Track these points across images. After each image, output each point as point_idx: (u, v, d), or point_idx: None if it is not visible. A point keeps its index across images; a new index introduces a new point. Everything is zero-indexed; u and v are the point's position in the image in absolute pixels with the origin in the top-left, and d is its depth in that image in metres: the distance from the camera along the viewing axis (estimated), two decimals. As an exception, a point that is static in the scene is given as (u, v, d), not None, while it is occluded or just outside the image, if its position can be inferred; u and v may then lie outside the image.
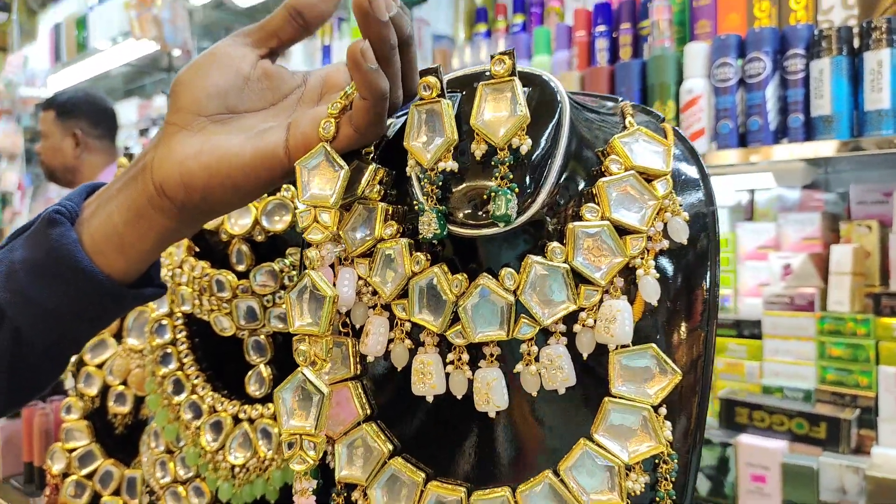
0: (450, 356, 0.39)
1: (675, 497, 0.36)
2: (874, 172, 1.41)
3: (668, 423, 0.36)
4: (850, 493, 1.04)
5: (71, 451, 0.79)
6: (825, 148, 1.14)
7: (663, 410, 0.36)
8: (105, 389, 0.80)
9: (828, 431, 1.12)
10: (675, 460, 0.36)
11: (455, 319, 0.39)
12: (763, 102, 1.23)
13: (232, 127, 0.41)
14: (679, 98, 1.32)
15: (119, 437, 0.80)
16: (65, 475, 0.79)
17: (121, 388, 0.79)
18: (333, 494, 0.41)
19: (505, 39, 1.74)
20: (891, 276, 1.21)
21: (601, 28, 1.51)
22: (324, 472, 0.42)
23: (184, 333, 0.66)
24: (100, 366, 0.80)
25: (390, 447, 0.40)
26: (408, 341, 0.40)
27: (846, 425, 1.11)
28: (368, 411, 0.41)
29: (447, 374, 0.39)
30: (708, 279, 0.39)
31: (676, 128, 0.43)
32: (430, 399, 0.39)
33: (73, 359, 0.81)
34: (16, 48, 4.10)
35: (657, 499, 0.36)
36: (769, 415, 1.16)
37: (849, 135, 1.15)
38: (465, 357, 0.39)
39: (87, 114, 2.45)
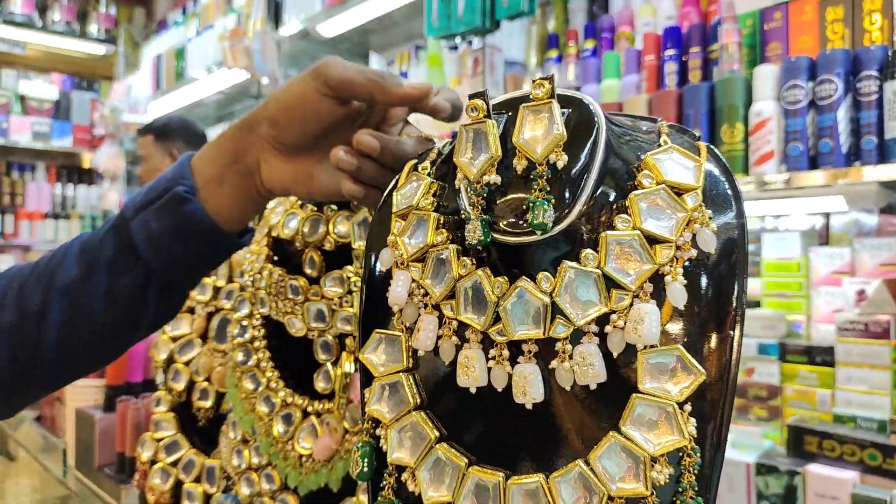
0: (492, 352, 0.43)
1: (696, 488, 0.38)
2: (958, 196, 1.35)
3: (693, 420, 0.38)
4: (926, 527, 0.99)
5: (159, 440, 0.87)
6: (900, 170, 1.12)
7: (688, 407, 0.39)
8: (191, 385, 0.88)
9: (902, 463, 1.08)
10: (698, 454, 0.38)
11: (497, 318, 0.43)
12: (835, 124, 1.21)
13: (315, 157, 0.57)
14: (748, 120, 1.31)
15: (201, 429, 0.87)
16: (152, 462, 0.87)
17: (204, 384, 0.87)
18: (385, 474, 0.46)
19: (576, 64, 1.77)
20: (975, 303, 1.16)
21: (670, 52, 1.52)
22: (377, 455, 0.47)
23: (261, 333, 0.73)
24: (187, 363, 0.88)
25: (437, 434, 0.44)
26: (455, 338, 0.45)
27: (922, 457, 1.07)
28: (418, 401, 0.46)
29: (489, 369, 0.43)
30: (736, 289, 0.42)
31: (711, 146, 0.46)
32: (473, 390, 0.43)
33: (164, 356, 0.89)
34: (121, 77, 4.43)
35: (679, 489, 0.38)
36: (840, 444, 1.13)
37: (925, 157, 1.12)
38: (506, 353, 0.43)
39: (182, 135, 2.64)
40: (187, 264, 0.57)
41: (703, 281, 0.41)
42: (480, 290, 0.43)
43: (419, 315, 0.46)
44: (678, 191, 0.42)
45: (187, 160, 0.59)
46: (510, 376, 0.42)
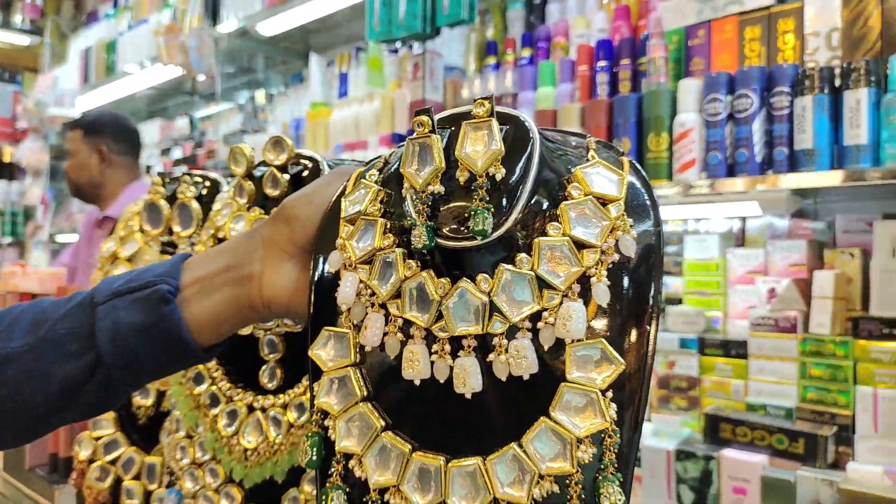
0: (434, 347, 0.47)
1: (616, 465, 0.43)
2: (859, 203, 1.47)
3: (613, 405, 0.43)
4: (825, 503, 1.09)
5: (97, 438, 0.87)
6: (807, 179, 1.22)
7: (609, 394, 0.43)
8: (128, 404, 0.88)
9: (806, 447, 1.18)
10: (618, 435, 0.43)
11: (439, 316, 0.46)
12: (750, 136, 1.30)
13: None
14: (672, 130, 1.40)
15: (141, 427, 0.87)
16: (90, 461, 0.87)
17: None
18: (333, 462, 0.49)
19: (513, 72, 1.83)
20: (871, 301, 1.27)
21: (602, 63, 1.59)
22: (325, 444, 0.50)
23: (206, 332, 0.74)
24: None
25: (382, 423, 0.48)
26: (400, 334, 0.48)
27: (823, 441, 1.17)
28: (365, 393, 0.49)
29: (432, 363, 0.47)
30: (653, 289, 0.47)
31: (633, 161, 0.51)
32: (417, 382, 0.47)
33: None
34: (46, 69, 4.26)
35: (601, 466, 0.43)
36: (751, 430, 1.22)
37: (829, 167, 1.22)
38: (447, 348, 0.46)
39: (111, 131, 2.57)
40: (143, 366, 0.52)
41: (625, 282, 0.46)
42: (424, 290, 0.47)
43: (366, 314, 0.50)
44: (603, 201, 0.47)
45: (181, 259, 0.55)
46: (451, 369, 0.46)
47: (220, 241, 0.75)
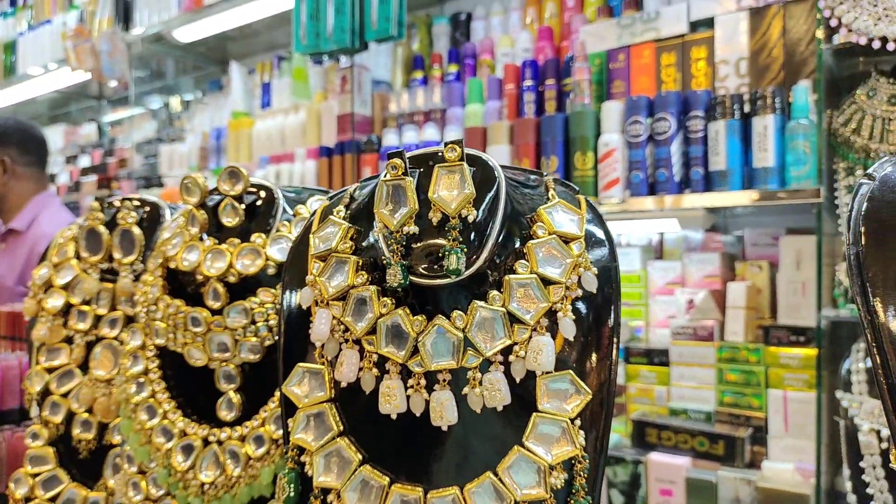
0: (410, 381, 0.49)
1: (587, 489, 0.46)
2: (767, 218, 1.59)
3: (582, 432, 0.47)
4: (744, 501, 1.18)
5: (34, 475, 0.83)
6: (721, 199, 1.31)
7: (578, 422, 0.47)
8: (70, 417, 0.85)
9: (725, 448, 1.26)
10: (587, 460, 0.46)
11: (414, 352, 0.48)
12: (669, 157, 1.39)
13: None
14: (597, 150, 1.47)
15: (82, 462, 0.84)
16: (27, 500, 0.83)
17: (85, 415, 0.84)
18: (312, 498, 0.50)
19: (441, 87, 1.86)
20: (778, 310, 1.38)
21: (528, 82, 1.65)
22: (302, 480, 0.51)
23: (156, 364, 0.73)
24: (65, 395, 0.85)
25: (360, 457, 0.49)
26: (375, 370, 0.50)
27: (740, 443, 1.26)
28: (342, 427, 0.50)
29: (408, 397, 0.49)
30: (612, 319, 0.51)
31: (587, 198, 0.55)
32: (393, 416, 0.49)
33: (39, 388, 0.85)
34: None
35: (573, 490, 0.46)
36: (675, 434, 1.30)
37: (741, 187, 1.32)
38: (423, 382, 0.48)
39: (16, 142, 2.42)
40: None
41: (587, 314, 0.50)
42: (400, 327, 0.48)
43: (340, 349, 0.51)
44: (566, 239, 0.50)
45: None
46: (427, 402, 0.48)
47: (170, 270, 0.74)
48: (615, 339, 0.50)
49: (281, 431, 0.67)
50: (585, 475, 0.46)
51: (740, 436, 1.27)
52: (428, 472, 0.49)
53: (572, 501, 0.46)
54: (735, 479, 1.19)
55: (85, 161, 3.76)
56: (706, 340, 1.39)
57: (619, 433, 1.46)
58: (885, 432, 1.07)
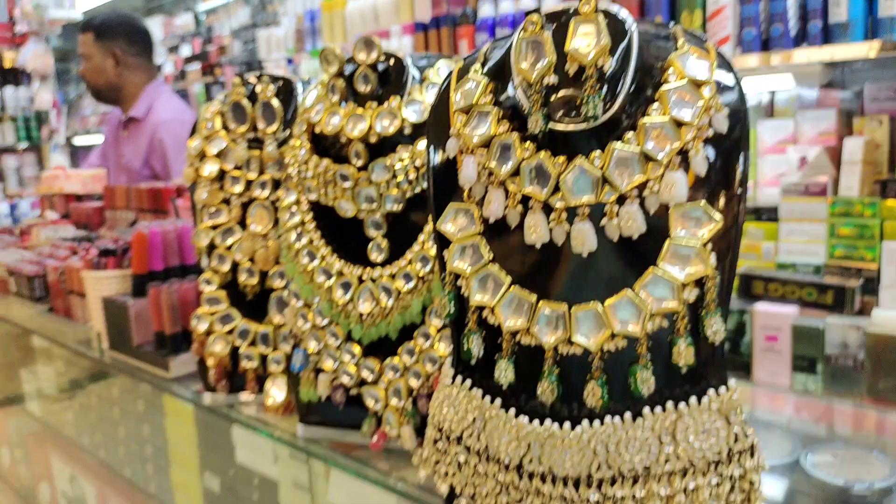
0: (552, 216, 0.55)
1: (718, 301, 0.52)
2: (887, 71, 1.51)
3: (713, 254, 0.52)
4: (852, 346, 1.22)
5: (213, 314, 0.98)
6: (840, 52, 1.25)
7: (709, 246, 0.52)
8: (234, 267, 0.98)
9: (834, 298, 1.29)
10: (718, 278, 0.52)
11: (555, 191, 0.55)
12: (785, 10, 1.32)
13: None
14: (706, 7, 1.41)
15: (250, 303, 0.99)
16: (208, 333, 0.99)
17: (248, 264, 0.97)
18: (469, 314, 0.59)
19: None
20: (897, 164, 1.34)
21: (636, -67, 1.58)
22: (459, 300, 0.60)
23: (310, 217, 0.83)
24: (229, 248, 0.98)
25: (509, 279, 0.57)
26: (519, 207, 0.57)
27: (850, 292, 1.28)
28: (491, 256, 0.58)
29: (550, 229, 0.55)
30: (742, 160, 0.55)
31: (717, 47, 0.57)
32: (538, 246, 0.56)
33: (206, 243, 0.99)
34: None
35: (704, 304, 0.53)
36: (783, 286, 1.34)
37: (862, 38, 1.26)
38: (564, 216, 0.55)
39: (123, 34, 2.54)
40: None
41: (716, 153, 0.54)
42: (543, 167, 0.55)
43: (486, 191, 0.58)
44: (696, 83, 0.53)
45: None
46: (568, 234, 0.55)
47: (315, 135, 0.82)
48: (744, 179, 0.55)
49: (426, 269, 0.76)
50: (717, 291, 0.52)
51: (851, 285, 1.29)
52: (571, 293, 0.56)
53: (704, 312, 0.52)
54: (844, 326, 1.23)
55: (186, 50, 3.89)
56: (819, 195, 1.38)
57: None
58: None
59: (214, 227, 0.99)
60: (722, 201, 0.53)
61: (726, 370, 0.55)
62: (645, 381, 0.54)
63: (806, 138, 1.46)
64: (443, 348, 0.77)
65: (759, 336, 1.28)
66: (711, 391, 0.54)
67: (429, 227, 0.76)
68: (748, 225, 1.49)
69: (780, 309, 1.30)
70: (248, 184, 0.98)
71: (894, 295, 1.28)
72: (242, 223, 0.99)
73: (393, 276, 0.78)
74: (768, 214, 1.45)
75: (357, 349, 0.81)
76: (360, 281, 0.80)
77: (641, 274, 0.53)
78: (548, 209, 0.56)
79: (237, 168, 0.98)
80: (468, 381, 0.61)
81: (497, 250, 0.59)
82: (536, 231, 0.55)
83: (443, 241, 0.61)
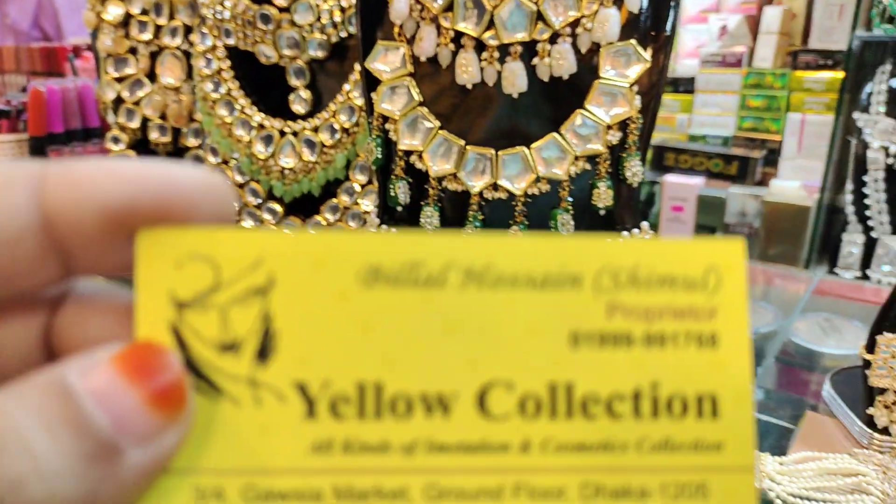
0: (483, 55, 0.54)
1: (639, 145, 0.54)
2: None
3: (638, 97, 0.53)
4: (749, 215, 1.30)
5: (123, 174, 0.93)
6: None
7: (636, 88, 0.53)
8: (144, 124, 0.93)
9: (738, 169, 1.36)
10: (640, 121, 0.53)
11: (489, 27, 0.53)
12: None
13: None
14: None
15: (164, 163, 0.94)
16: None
17: (160, 121, 0.92)
18: (396, 159, 0.58)
19: None
20: (811, 34, 1.38)
21: None
22: (386, 145, 0.59)
23: (227, 64, 0.78)
24: (137, 103, 0.92)
25: (439, 123, 0.57)
26: (451, 45, 0.55)
27: (754, 163, 1.35)
28: (421, 98, 0.57)
29: (482, 69, 0.54)
30: (673, 4, 0.54)
31: None
32: (469, 86, 0.55)
33: (112, 97, 0.92)
34: None
35: (626, 147, 0.54)
36: (692, 157, 1.39)
37: None
38: (496, 55, 0.54)
39: None
40: None
41: (649, -7, 0.53)
42: (478, 0, 0.53)
43: (417, 27, 0.56)
44: (634, -84, 0.52)
45: None
46: (499, 74, 0.54)
47: (228, -29, 0.75)
48: (674, 25, 0.55)
49: (351, 121, 0.74)
50: (638, 134, 0.54)
51: (754, 157, 1.36)
52: (497, 138, 0.56)
53: (625, 154, 0.54)
54: (743, 196, 1.30)
55: None
56: (734, 67, 1.41)
57: (638, 160, 1.55)
58: (893, 149, 1.15)
59: (120, 80, 0.92)
60: (651, 45, 0.53)
61: (640, 213, 0.58)
62: (565, 224, 0.55)
63: (728, 6, 1.47)
64: (366, 205, 0.77)
65: (667, 206, 1.34)
66: (626, 234, 0.57)
67: (354, 76, 0.74)
68: (666, 97, 1.52)
69: (687, 180, 1.36)
70: (158, 30, 0.90)
71: (792, 166, 1.36)
72: (152, 75, 0.92)
73: (316, 130, 0.76)
74: (685, 86, 1.49)
75: (279, 207, 0.79)
76: (282, 134, 0.77)
77: (569, 116, 0.53)
78: (480, 49, 0.54)
79: (144, 13, 0.90)
80: (393, 230, 0.61)
81: (427, 92, 0.58)
82: (468, 71, 0.54)
83: (370, 83, 0.59)
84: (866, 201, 1.20)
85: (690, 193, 1.38)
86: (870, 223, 1.20)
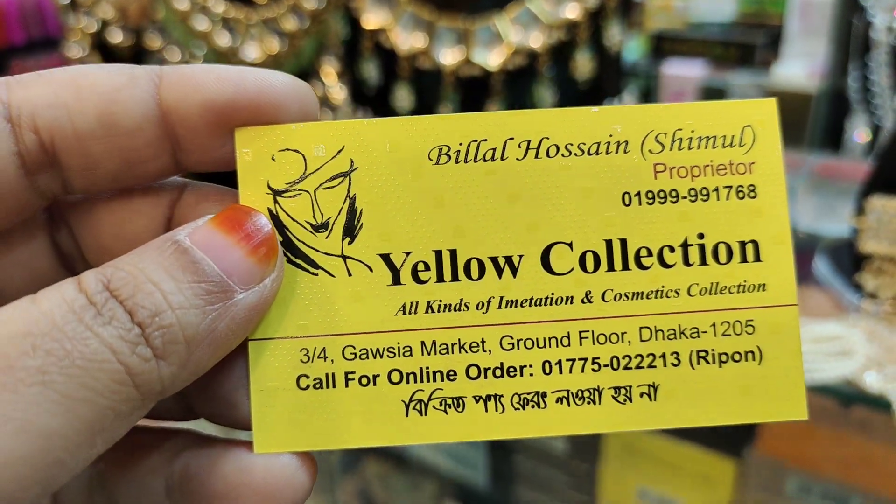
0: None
1: (616, 10, 0.50)
2: None
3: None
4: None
5: (88, 81, 0.89)
6: None
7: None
8: (104, 26, 0.87)
9: (740, 55, 1.30)
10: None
11: None
12: None
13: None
14: None
15: (124, 60, 0.89)
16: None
17: (120, 21, 0.87)
18: (363, 39, 0.54)
19: None
20: None
21: None
22: (351, 22, 0.55)
23: (182, -47, 0.73)
24: (95, 2, 0.86)
25: (405, -5, 0.52)
26: None
27: (755, 49, 1.29)
28: (384, -31, 0.52)
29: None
30: None
31: None
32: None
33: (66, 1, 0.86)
34: None
35: (604, 12, 0.50)
36: (692, 45, 1.33)
37: None
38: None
39: None
40: None
41: None
42: None
43: None
44: None
45: None
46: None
47: None
48: None
49: (319, 4, 0.69)
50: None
51: (755, 42, 1.29)
52: (469, 7, 0.52)
53: (604, 20, 0.50)
54: (744, 87, 1.25)
55: None
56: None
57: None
58: (900, 26, 1.09)
59: (73, -22, 0.86)
60: None
61: (621, 83, 0.54)
62: (544, 99, 0.52)
63: None
64: (339, 94, 0.73)
65: (667, 97, 1.29)
66: (607, 101, 0.53)
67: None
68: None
69: (686, 71, 1.30)
70: (106, -77, 0.84)
71: (795, 51, 1.29)
72: (106, -28, 0.86)
73: (282, 16, 0.71)
74: (683, -30, 1.40)
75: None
76: (248, 25, 0.72)
77: (543, -22, 0.49)
78: None
79: None
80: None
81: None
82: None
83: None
84: (870, 86, 1.15)
85: (689, 85, 1.32)
86: (874, 109, 1.16)
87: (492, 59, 0.51)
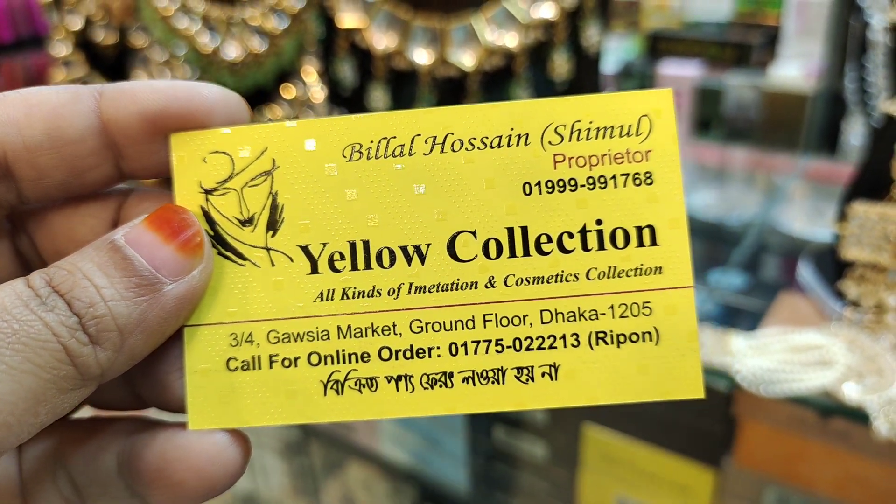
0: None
1: (595, 11, 0.48)
2: None
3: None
4: (747, 107, 1.24)
5: (71, 81, 0.88)
6: None
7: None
8: (88, 24, 0.87)
9: (736, 55, 1.28)
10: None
11: None
12: None
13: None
14: None
15: (112, 67, 0.89)
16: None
17: (104, 19, 0.86)
18: (338, 40, 0.53)
19: None
20: None
21: None
22: (327, 22, 0.54)
23: (163, -48, 0.72)
24: (77, 1, 0.86)
25: (379, -6, 0.51)
26: None
27: (750, 49, 1.27)
28: (359, -33, 0.51)
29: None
30: None
31: None
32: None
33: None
34: None
35: (581, 12, 0.49)
36: (688, 45, 1.31)
37: None
38: None
39: None
40: None
41: None
42: None
43: None
44: None
45: None
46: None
47: None
48: None
49: (300, 4, 0.68)
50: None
51: (752, 42, 1.28)
52: (444, 6, 0.51)
53: (582, 20, 0.49)
54: (740, 87, 1.23)
55: None
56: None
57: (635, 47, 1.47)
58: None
59: (57, -23, 0.85)
60: None
61: (600, 84, 0.53)
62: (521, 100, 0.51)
63: None
64: (319, 94, 0.72)
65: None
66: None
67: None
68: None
69: (683, 71, 1.29)
70: (91, -80, 0.83)
71: (791, 52, 1.28)
72: (91, -29, 0.85)
73: (263, 16, 0.70)
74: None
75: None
76: (229, 25, 0.71)
77: (519, -22, 0.48)
78: None
79: None
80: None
81: (365, -40, 0.52)
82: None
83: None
84: (867, 88, 1.14)
85: (685, 86, 1.31)
86: (871, 110, 1.14)
87: (468, 59, 0.50)
